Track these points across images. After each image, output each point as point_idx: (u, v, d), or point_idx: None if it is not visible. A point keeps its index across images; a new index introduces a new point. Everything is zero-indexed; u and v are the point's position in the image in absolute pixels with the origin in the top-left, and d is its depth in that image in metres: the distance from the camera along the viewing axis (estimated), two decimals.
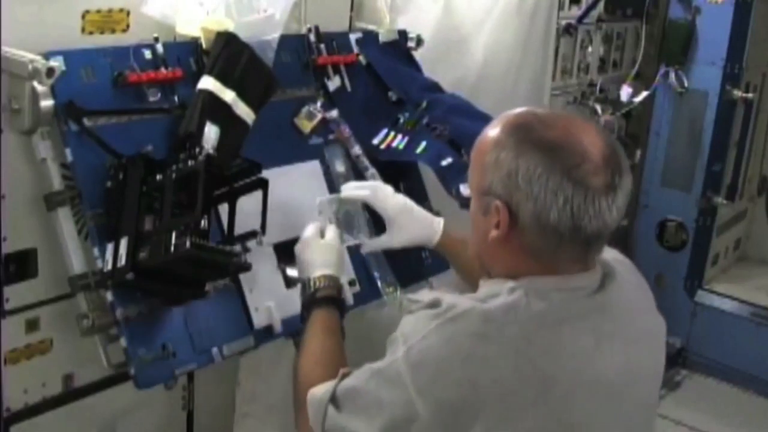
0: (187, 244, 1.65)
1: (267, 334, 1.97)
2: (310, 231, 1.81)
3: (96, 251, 1.75)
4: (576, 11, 3.31)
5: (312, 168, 2.19)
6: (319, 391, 1.46)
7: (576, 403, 1.30)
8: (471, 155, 1.43)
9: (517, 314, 1.30)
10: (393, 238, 1.91)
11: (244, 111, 1.92)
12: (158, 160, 1.81)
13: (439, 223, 1.92)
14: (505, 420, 1.27)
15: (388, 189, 1.94)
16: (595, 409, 1.32)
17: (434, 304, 1.36)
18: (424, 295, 1.45)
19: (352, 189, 1.96)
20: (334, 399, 1.42)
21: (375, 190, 1.92)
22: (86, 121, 1.77)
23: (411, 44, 2.53)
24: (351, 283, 2.14)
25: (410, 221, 1.90)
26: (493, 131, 1.38)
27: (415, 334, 1.33)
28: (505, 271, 1.39)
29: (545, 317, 1.31)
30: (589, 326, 1.34)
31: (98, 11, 1.89)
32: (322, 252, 1.75)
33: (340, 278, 1.74)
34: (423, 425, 1.29)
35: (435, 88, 2.46)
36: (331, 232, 1.81)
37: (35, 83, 1.70)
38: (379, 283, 2.16)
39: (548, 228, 1.30)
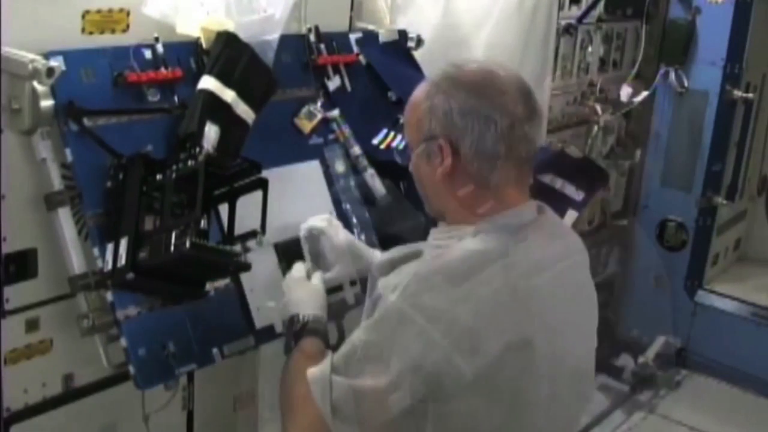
0: (187, 244, 1.65)
1: (268, 333, 1.97)
2: (299, 271, 1.87)
3: (96, 251, 1.75)
4: (576, 11, 3.31)
5: (312, 168, 2.19)
6: (317, 369, 1.49)
7: (551, 310, 1.51)
8: (405, 117, 1.63)
9: (489, 245, 1.49)
10: (338, 271, 1.94)
11: (245, 111, 1.92)
12: (158, 160, 1.81)
13: (376, 256, 1.96)
14: (499, 319, 1.44)
15: (340, 223, 2.00)
16: (562, 314, 1.54)
17: (410, 257, 1.56)
18: (389, 253, 1.66)
19: (312, 221, 1.98)
20: (335, 369, 1.46)
21: (329, 222, 1.97)
22: (86, 121, 1.77)
23: (411, 44, 2.53)
24: (352, 283, 2.14)
25: (353, 253, 1.96)
26: (420, 89, 1.59)
27: (403, 279, 1.46)
28: (458, 211, 1.56)
29: (512, 244, 1.50)
30: (543, 249, 1.55)
31: (98, 11, 1.89)
32: (311, 294, 1.81)
33: (325, 320, 1.79)
34: (446, 350, 1.39)
35: None
36: (317, 277, 1.87)
37: (35, 83, 1.70)
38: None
39: (485, 153, 1.50)
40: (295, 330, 1.72)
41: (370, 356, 1.43)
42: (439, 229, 1.62)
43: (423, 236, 2.00)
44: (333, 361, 1.48)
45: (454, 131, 1.51)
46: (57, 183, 1.78)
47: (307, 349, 1.64)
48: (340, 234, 1.95)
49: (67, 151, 1.76)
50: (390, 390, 1.40)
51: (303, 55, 2.24)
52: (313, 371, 1.49)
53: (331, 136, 2.25)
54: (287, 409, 1.54)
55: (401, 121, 2.34)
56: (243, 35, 1.96)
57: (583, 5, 3.33)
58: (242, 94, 1.91)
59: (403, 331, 1.41)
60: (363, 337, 1.46)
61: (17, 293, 1.82)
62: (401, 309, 1.42)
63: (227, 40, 1.94)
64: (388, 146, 2.30)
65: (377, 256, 1.95)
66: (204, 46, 1.98)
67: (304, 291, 1.82)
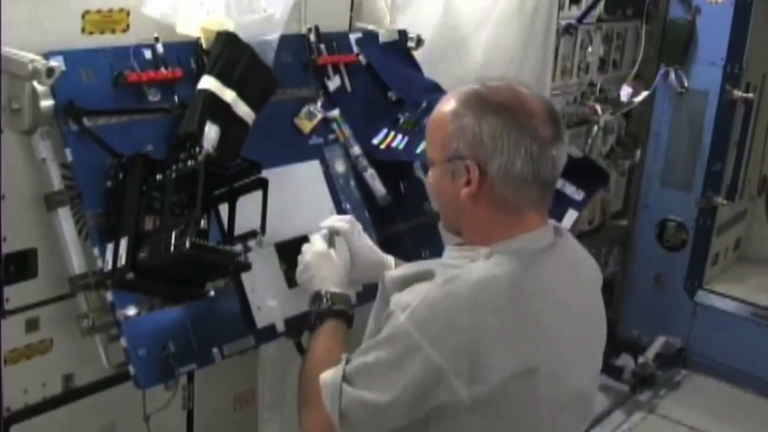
0: (187, 244, 1.65)
1: (268, 333, 1.98)
2: (320, 245, 1.85)
3: (96, 251, 1.75)
4: (576, 11, 3.31)
5: (312, 168, 2.19)
6: (329, 374, 1.51)
7: (559, 337, 1.50)
8: (428, 132, 1.59)
9: (502, 269, 1.47)
10: (352, 273, 1.93)
11: (245, 111, 1.92)
12: (158, 160, 1.81)
13: (390, 263, 1.96)
14: (506, 348, 1.43)
15: (360, 226, 1.98)
16: (569, 342, 1.52)
17: (423, 276, 1.52)
18: (403, 269, 1.64)
19: (334, 220, 1.96)
20: (346, 378, 1.48)
21: (351, 224, 1.94)
22: (86, 121, 1.77)
23: (411, 44, 2.53)
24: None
25: (370, 258, 1.95)
26: (447, 106, 1.55)
27: (414, 299, 1.46)
28: (476, 231, 1.55)
29: (525, 269, 1.49)
30: (556, 275, 1.54)
31: (98, 11, 1.89)
32: (336, 270, 1.82)
33: (348, 299, 1.79)
34: (448, 375, 1.40)
35: (435, 88, 2.46)
36: (340, 254, 1.87)
37: (35, 83, 1.70)
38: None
39: (513, 176, 1.49)
40: (320, 310, 1.72)
41: (378, 373, 1.46)
42: (454, 248, 1.61)
43: (423, 236, 2.01)
44: (345, 370, 1.49)
45: (482, 154, 1.48)
46: (57, 183, 1.79)
47: (327, 336, 1.67)
48: (360, 237, 1.94)
49: (67, 151, 1.76)
50: (393, 406, 1.44)
51: (303, 55, 2.24)
52: (326, 376, 1.51)
53: (331, 136, 2.25)
54: (304, 398, 1.58)
55: (401, 121, 2.36)
56: (243, 35, 1.96)
57: (583, 5, 3.33)
58: (242, 94, 1.91)
59: (408, 352, 1.42)
60: (373, 353, 1.47)
61: (17, 293, 1.82)
62: (408, 331, 1.43)
63: (227, 40, 1.94)
64: (388, 146, 2.30)
65: (392, 263, 1.95)
66: (204, 46, 1.98)
67: (328, 268, 1.81)
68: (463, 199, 1.52)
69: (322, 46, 2.28)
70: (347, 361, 1.51)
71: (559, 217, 2.13)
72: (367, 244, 1.96)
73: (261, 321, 1.96)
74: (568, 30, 3.25)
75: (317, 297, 1.75)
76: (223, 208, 1.88)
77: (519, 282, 1.47)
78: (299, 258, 1.86)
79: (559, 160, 1.52)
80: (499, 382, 1.42)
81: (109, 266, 1.72)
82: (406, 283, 1.55)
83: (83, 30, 1.88)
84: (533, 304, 1.47)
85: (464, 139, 1.50)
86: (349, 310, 1.75)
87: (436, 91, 2.44)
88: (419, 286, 1.50)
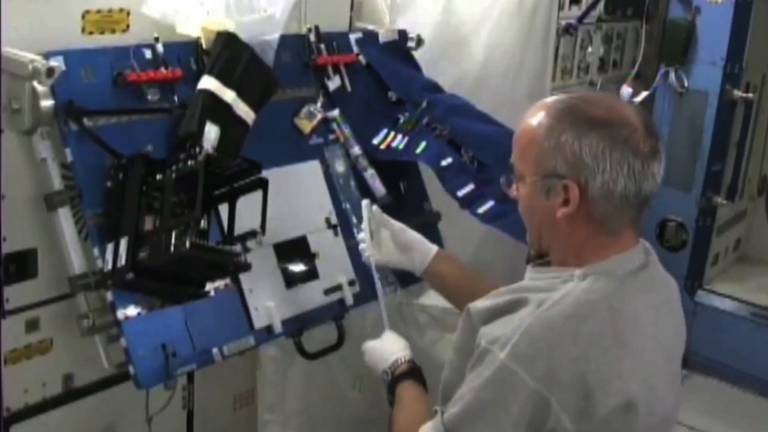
0: (187, 244, 1.65)
1: (267, 334, 1.98)
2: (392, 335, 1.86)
3: (96, 251, 1.75)
4: (576, 11, 3.30)
5: (312, 168, 2.19)
6: (428, 429, 1.47)
7: (652, 365, 1.46)
8: (517, 146, 1.51)
9: (598, 293, 1.43)
10: (390, 256, 1.96)
11: (244, 111, 1.92)
12: (158, 160, 1.81)
13: (430, 250, 1.95)
14: (609, 379, 1.39)
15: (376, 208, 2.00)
16: (660, 369, 1.49)
17: (514, 306, 1.45)
18: (490, 299, 1.52)
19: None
20: (448, 430, 1.43)
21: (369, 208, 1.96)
22: (86, 121, 1.77)
23: (411, 44, 2.53)
24: (351, 283, 2.14)
25: (409, 240, 1.96)
26: (540, 120, 1.46)
27: (512, 334, 1.39)
28: (568, 251, 1.49)
29: (620, 292, 1.44)
30: (649, 297, 1.49)
31: (98, 11, 1.89)
32: (393, 342, 1.82)
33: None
34: (557, 412, 1.36)
35: (435, 88, 2.46)
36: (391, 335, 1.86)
37: (35, 83, 1.70)
38: (379, 284, 2.16)
39: (616, 195, 1.42)
40: (391, 378, 1.72)
41: (484, 416, 1.40)
42: (539, 269, 1.55)
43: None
44: (446, 423, 1.44)
45: (583, 172, 1.41)
46: (57, 183, 1.79)
47: (411, 394, 1.67)
48: (384, 220, 1.94)
49: (67, 151, 1.76)
50: None
51: (303, 55, 2.24)
52: (425, 430, 1.48)
53: (331, 136, 2.25)
54: None
55: (401, 121, 2.35)
56: (243, 35, 1.96)
57: (583, 5, 3.32)
58: (242, 94, 1.91)
59: (514, 391, 1.37)
60: (474, 396, 1.41)
61: (17, 293, 1.82)
62: (512, 369, 1.37)
63: (227, 40, 1.94)
64: (388, 146, 2.30)
65: (427, 250, 1.93)
66: (204, 46, 1.98)
67: (385, 343, 1.81)
68: (559, 219, 1.45)
69: (322, 46, 2.28)
70: (441, 412, 1.46)
71: None
72: (401, 225, 1.95)
73: (259, 321, 1.96)
74: (568, 30, 3.25)
75: (387, 372, 1.74)
76: (223, 208, 1.88)
77: (616, 307, 1.43)
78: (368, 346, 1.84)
79: (658, 175, 1.45)
80: (603, 416, 1.38)
81: (109, 266, 1.72)
82: (495, 314, 1.47)
83: (83, 30, 1.88)
84: (629, 331, 1.43)
85: (563, 158, 1.42)
86: (417, 368, 1.74)
87: (436, 91, 2.45)
88: (512, 318, 1.43)
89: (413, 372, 1.73)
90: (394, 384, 1.71)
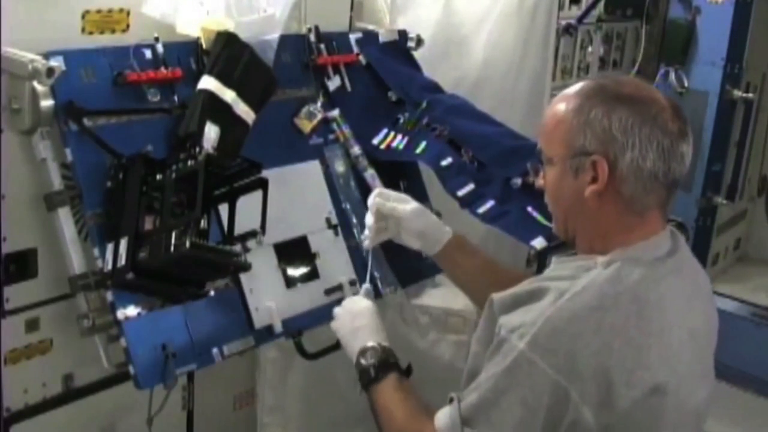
0: (187, 244, 1.65)
1: (267, 334, 1.97)
2: (365, 302, 1.81)
3: (96, 251, 1.75)
4: (576, 11, 3.30)
5: (312, 168, 2.19)
6: (444, 417, 1.45)
7: (681, 354, 1.43)
8: (544, 129, 1.51)
9: (622, 282, 1.41)
10: (402, 231, 1.89)
11: (244, 111, 1.92)
12: (158, 160, 1.81)
13: (448, 232, 1.91)
14: (633, 370, 1.37)
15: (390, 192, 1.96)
16: (690, 359, 1.46)
17: (536, 295, 1.43)
18: (513, 288, 1.49)
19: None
20: (467, 421, 1.42)
21: (384, 195, 1.92)
22: (86, 121, 1.77)
23: (411, 44, 2.53)
24: (351, 283, 2.14)
25: (419, 228, 1.90)
26: (568, 102, 1.47)
27: (531, 324, 1.38)
28: (594, 235, 1.48)
29: (646, 280, 1.42)
30: (677, 284, 1.46)
31: (98, 11, 1.89)
32: (381, 325, 1.76)
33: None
34: (576, 403, 1.35)
35: (435, 88, 2.46)
36: (363, 299, 1.83)
37: (35, 83, 1.70)
38: (379, 284, 2.16)
39: (645, 172, 1.41)
40: (380, 362, 1.65)
41: (499, 404, 1.38)
42: (563, 259, 1.53)
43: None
44: (463, 413, 1.42)
45: (613, 148, 1.41)
46: (57, 183, 1.78)
47: (400, 387, 1.62)
48: (411, 203, 1.89)
49: (67, 151, 1.76)
50: None
51: (303, 55, 2.24)
52: (441, 420, 1.45)
53: (331, 136, 2.25)
54: None
55: (401, 121, 2.35)
56: (243, 35, 1.96)
57: (583, 5, 3.32)
58: (242, 94, 1.91)
59: (532, 381, 1.36)
60: (493, 385, 1.40)
61: (17, 293, 1.82)
62: (531, 359, 1.36)
63: (227, 40, 1.94)
64: (388, 146, 2.30)
65: (440, 236, 1.88)
66: (204, 46, 1.98)
67: (375, 320, 1.75)
68: (588, 198, 1.44)
69: (322, 46, 2.28)
70: (458, 399, 1.44)
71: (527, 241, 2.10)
72: (419, 206, 1.89)
73: (259, 322, 1.96)
74: (568, 30, 3.25)
75: (368, 350, 1.67)
76: (223, 208, 1.88)
77: (641, 296, 1.41)
78: (339, 310, 1.80)
79: (687, 158, 1.45)
80: (625, 408, 1.36)
81: (109, 266, 1.72)
82: (516, 303, 1.46)
83: (83, 30, 1.88)
84: (655, 319, 1.41)
85: (592, 133, 1.42)
86: (395, 359, 1.68)
87: (436, 91, 2.44)
88: (533, 307, 1.41)
89: (391, 363, 1.66)
90: (376, 378, 1.65)
